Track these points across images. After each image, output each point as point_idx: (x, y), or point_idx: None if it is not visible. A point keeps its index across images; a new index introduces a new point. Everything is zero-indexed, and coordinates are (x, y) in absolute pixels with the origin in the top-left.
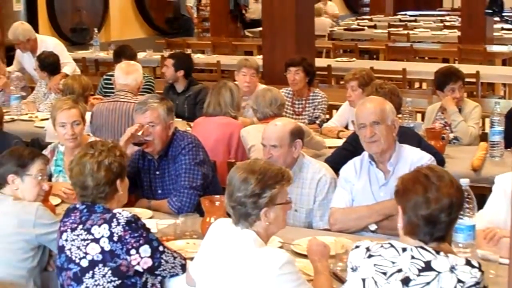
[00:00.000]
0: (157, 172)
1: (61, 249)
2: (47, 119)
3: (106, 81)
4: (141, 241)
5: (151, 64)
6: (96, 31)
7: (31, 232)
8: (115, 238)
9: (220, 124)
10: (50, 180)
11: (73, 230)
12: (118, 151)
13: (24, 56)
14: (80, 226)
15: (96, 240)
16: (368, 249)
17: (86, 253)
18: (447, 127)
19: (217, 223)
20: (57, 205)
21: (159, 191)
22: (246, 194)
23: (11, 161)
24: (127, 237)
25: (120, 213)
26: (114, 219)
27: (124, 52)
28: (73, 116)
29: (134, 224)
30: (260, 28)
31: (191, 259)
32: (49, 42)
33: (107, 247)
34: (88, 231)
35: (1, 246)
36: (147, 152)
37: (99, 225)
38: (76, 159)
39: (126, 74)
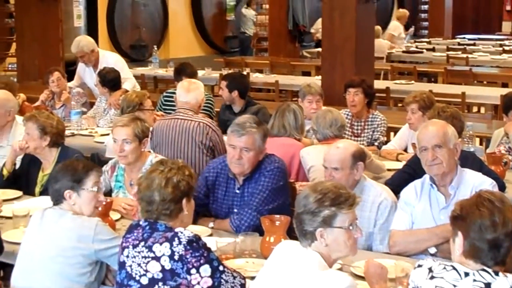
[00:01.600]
0: (237, 191)
1: (122, 265)
2: (107, 134)
3: (166, 98)
4: (201, 261)
5: (209, 83)
6: (156, 48)
7: (90, 247)
8: (176, 257)
9: (282, 145)
10: (110, 195)
11: (134, 246)
12: (188, 171)
13: (85, 71)
14: (142, 243)
15: (157, 258)
16: (430, 270)
17: (146, 271)
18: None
19: (283, 244)
20: (116, 220)
21: (235, 210)
22: (303, 210)
23: (66, 176)
24: (188, 256)
25: (182, 232)
26: (176, 238)
27: (184, 70)
28: (123, 134)
29: (195, 243)
30: (318, 49)
31: (251, 278)
32: (110, 58)
33: (167, 265)
34: (150, 248)
35: (60, 260)
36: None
37: (161, 243)
38: (145, 174)
39: (187, 92)
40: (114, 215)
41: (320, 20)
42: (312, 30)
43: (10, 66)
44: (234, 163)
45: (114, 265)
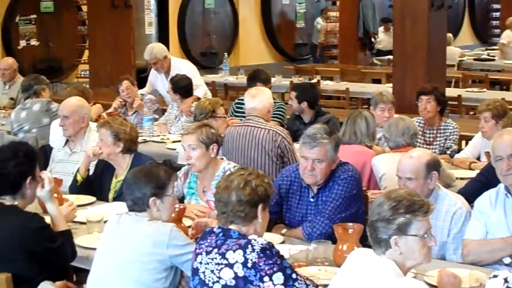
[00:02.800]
0: (311, 200)
1: (195, 271)
2: (178, 141)
3: (237, 105)
4: (274, 269)
5: (280, 90)
6: (226, 55)
7: (165, 252)
8: (249, 265)
9: (354, 153)
10: (182, 201)
11: (208, 253)
12: (267, 180)
13: (157, 78)
14: (215, 250)
15: (230, 265)
16: (506, 281)
17: (219, 278)
18: None
19: (357, 252)
20: (189, 227)
21: (309, 217)
22: (378, 218)
23: (149, 184)
24: (261, 264)
25: (255, 240)
26: (249, 246)
27: (258, 76)
28: (188, 140)
29: (268, 251)
30: (389, 56)
31: (323, 286)
32: (182, 65)
33: (240, 273)
34: (223, 255)
35: (137, 266)
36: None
37: (234, 251)
38: (225, 176)
39: (252, 98)
40: (186, 222)
41: (380, 28)
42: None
43: (82, 73)
44: (307, 174)
45: (187, 270)
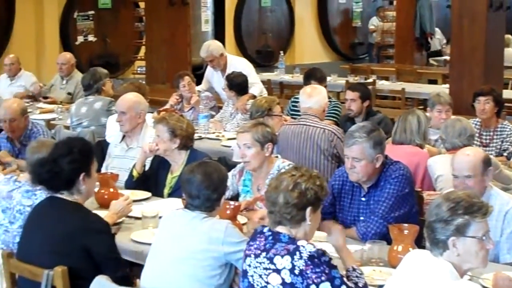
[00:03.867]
0: (363, 199)
1: (245, 273)
2: (233, 138)
3: (294, 104)
4: (322, 278)
5: (335, 89)
6: (282, 54)
7: (220, 249)
8: (296, 271)
9: (407, 153)
10: (237, 199)
11: (256, 256)
12: (319, 182)
13: (213, 75)
14: (264, 254)
15: (278, 271)
16: None
17: (267, 283)
18: None
19: (413, 253)
20: (243, 224)
21: (361, 218)
22: (436, 219)
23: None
24: (308, 271)
25: (304, 247)
26: (297, 252)
27: (314, 74)
28: (243, 139)
29: (316, 259)
30: (446, 57)
31: (378, 286)
32: (238, 62)
33: (288, 279)
34: (271, 260)
35: (192, 262)
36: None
37: (282, 256)
38: (277, 175)
39: (309, 97)
40: (241, 219)
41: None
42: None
43: (139, 69)
44: (350, 171)
45: (241, 268)
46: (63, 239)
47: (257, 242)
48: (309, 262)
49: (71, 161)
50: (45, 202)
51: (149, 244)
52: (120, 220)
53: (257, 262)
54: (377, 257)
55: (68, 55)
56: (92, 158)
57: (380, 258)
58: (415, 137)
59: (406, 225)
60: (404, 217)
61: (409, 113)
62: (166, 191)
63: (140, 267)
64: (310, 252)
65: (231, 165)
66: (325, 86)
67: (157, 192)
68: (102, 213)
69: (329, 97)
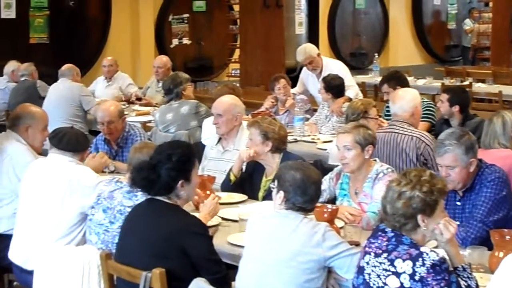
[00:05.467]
0: (458, 203)
1: (361, 270)
2: (329, 141)
3: (387, 107)
4: (442, 284)
5: (430, 92)
6: (376, 56)
7: (319, 252)
8: (417, 278)
9: (498, 158)
10: (333, 203)
11: (376, 255)
12: (427, 187)
13: (308, 78)
14: (385, 255)
15: (397, 274)
16: None
17: (385, 284)
18: None
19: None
20: (341, 228)
21: (457, 221)
22: None
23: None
24: (429, 279)
25: (427, 254)
26: (420, 259)
27: (395, 78)
28: (344, 140)
29: (438, 267)
30: None
31: None
32: (334, 65)
33: (407, 284)
34: (392, 262)
35: (292, 265)
36: None
37: (403, 260)
38: (387, 184)
39: (392, 103)
40: (338, 223)
41: None
42: None
43: (233, 71)
44: (446, 180)
45: (339, 269)
46: (161, 240)
47: (379, 241)
48: (431, 270)
49: (168, 168)
50: (143, 204)
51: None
52: (217, 222)
53: (376, 261)
54: (478, 263)
55: (164, 59)
56: (192, 164)
57: (480, 264)
58: (500, 137)
59: (506, 230)
60: (502, 220)
61: (495, 115)
62: (261, 194)
63: (234, 269)
64: (433, 260)
65: (327, 168)
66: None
67: (253, 195)
68: (197, 215)
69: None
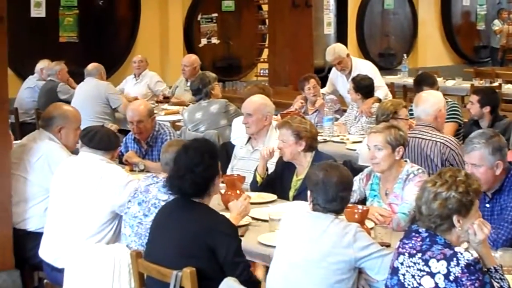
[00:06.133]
0: (487, 205)
1: (395, 271)
2: (358, 141)
3: (411, 111)
4: (476, 284)
5: (460, 93)
6: (405, 56)
7: (350, 253)
8: (451, 278)
9: None
10: (364, 203)
11: (411, 256)
12: (463, 187)
13: (338, 78)
14: (419, 255)
15: (432, 275)
16: None
17: (420, 284)
18: None
19: None
20: (371, 229)
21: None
22: None
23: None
24: (463, 279)
25: (461, 254)
26: (454, 259)
27: (425, 79)
28: (375, 140)
29: (473, 267)
30: None
31: None
32: (363, 65)
33: (441, 284)
34: (426, 262)
35: (323, 265)
36: None
37: (438, 260)
38: (422, 183)
39: (415, 107)
40: (368, 224)
41: None
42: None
43: (261, 71)
44: None
45: (369, 270)
46: (190, 240)
47: (413, 242)
48: (465, 270)
49: (206, 168)
50: (171, 203)
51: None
52: (247, 222)
53: (411, 261)
54: (509, 265)
55: (192, 57)
56: (218, 158)
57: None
58: None
59: None
60: None
61: None
62: (291, 193)
63: (267, 269)
64: (467, 260)
65: (356, 169)
66: (437, 89)
67: (283, 194)
68: (228, 215)
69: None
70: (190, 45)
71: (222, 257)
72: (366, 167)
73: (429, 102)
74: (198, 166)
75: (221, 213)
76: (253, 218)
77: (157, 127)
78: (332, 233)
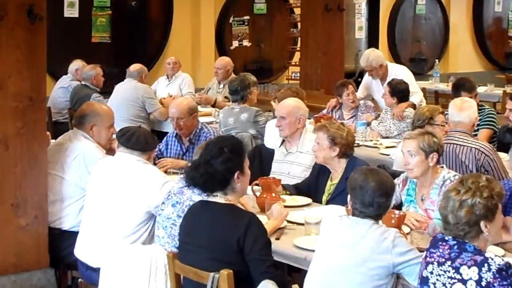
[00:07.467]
0: None
1: (425, 280)
2: (392, 146)
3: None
4: None
5: (492, 99)
6: (437, 62)
7: (389, 259)
8: (483, 283)
9: None
10: (400, 208)
11: (440, 264)
12: (487, 192)
13: (372, 83)
14: (449, 263)
15: (463, 282)
16: None
17: None
18: None
19: None
20: (407, 233)
21: None
22: None
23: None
24: (495, 284)
25: (492, 259)
26: (486, 264)
27: (463, 84)
28: (408, 146)
29: (504, 272)
30: None
31: None
32: (399, 71)
33: None
34: (457, 270)
35: (361, 270)
36: None
37: (469, 267)
38: (445, 192)
39: (459, 111)
40: (404, 229)
41: None
42: None
43: (293, 74)
44: None
45: (408, 276)
46: (220, 245)
47: (440, 250)
48: (497, 275)
49: (224, 161)
50: (197, 206)
51: (312, 250)
52: (283, 225)
53: (440, 270)
54: None
55: (226, 60)
56: (244, 155)
57: None
58: None
59: None
60: None
61: None
62: (324, 197)
63: (300, 272)
64: (499, 265)
65: (390, 174)
66: (476, 95)
67: (316, 198)
68: (263, 218)
69: (481, 105)
70: (221, 48)
71: (247, 255)
72: (400, 172)
73: (472, 108)
74: (215, 158)
75: (247, 211)
76: (288, 221)
77: (200, 126)
78: (370, 238)
